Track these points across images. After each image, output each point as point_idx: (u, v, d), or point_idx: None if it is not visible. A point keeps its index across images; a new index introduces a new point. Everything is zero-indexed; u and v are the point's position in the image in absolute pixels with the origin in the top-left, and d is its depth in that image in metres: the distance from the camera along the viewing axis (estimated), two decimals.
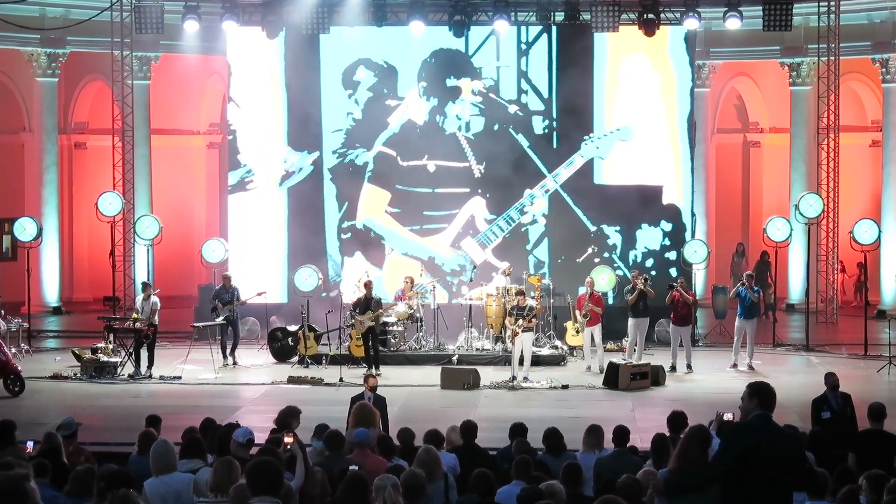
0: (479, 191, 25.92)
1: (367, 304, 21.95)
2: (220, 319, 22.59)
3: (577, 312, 22.17)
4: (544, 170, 25.74)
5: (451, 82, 25.97)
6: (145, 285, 22.58)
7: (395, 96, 26.06)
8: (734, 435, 7.72)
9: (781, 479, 7.69)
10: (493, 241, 25.89)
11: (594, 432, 11.71)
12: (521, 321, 20.77)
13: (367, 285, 22.38)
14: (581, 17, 25.23)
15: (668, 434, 11.38)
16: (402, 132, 26.03)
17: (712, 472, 7.74)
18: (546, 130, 26.02)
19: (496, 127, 25.88)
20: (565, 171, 25.74)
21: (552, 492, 8.77)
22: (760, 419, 7.75)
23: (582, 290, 22.70)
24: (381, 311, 22.22)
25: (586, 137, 25.70)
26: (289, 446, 9.81)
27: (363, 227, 26.13)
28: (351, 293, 24.34)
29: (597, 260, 24.85)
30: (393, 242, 26.12)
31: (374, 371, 20.71)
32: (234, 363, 22.60)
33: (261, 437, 12.56)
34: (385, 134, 26.03)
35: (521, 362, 20.88)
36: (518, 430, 12.02)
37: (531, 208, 25.86)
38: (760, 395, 7.80)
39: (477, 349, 23.01)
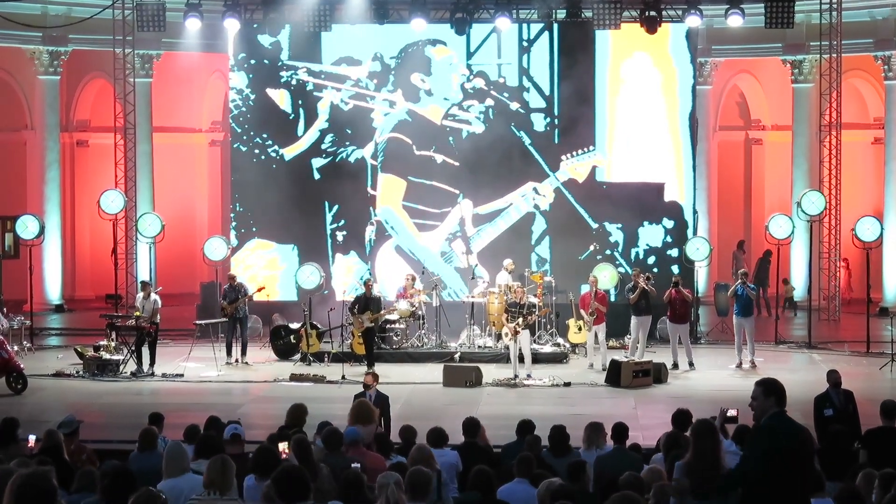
0: (472, 191, 25.73)
1: (367, 303, 21.94)
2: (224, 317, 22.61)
3: (583, 312, 22.14)
4: (546, 167, 25.71)
5: (446, 77, 25.93)
6: (144, 284, 22.60)
7: (382, 91, 25.99)
8: (768, 434, 7.72)
9: (804, 476, 7.72)
10: (479, 246, 25.77)
11: (595, 430, 11.69)
12: (520, 320, 20.74)
13: (367, 284, 22.37)
14: (583, 15, 25.20)
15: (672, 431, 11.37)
16: (401, 126, 25.89)
17: (742, 472, 7.73)
18: (547, 128, 26.00)
19: (495, 125, 25.77)
20: (548, 186, 25.69)
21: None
22: (781, 418, 7.78)
23: (585, 289, 22.69)
24: (381, 313, 22.19)
25: (563, 157, 25.58)
26: (285, 455, 9.75)
27: (382, 219, 25.94)
28: (342, 293, 24.33)
29: (599, 257, 24.85)
30: (402, 238, 26.05)
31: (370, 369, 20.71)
32: (245, 363, 22.57)
33: (261, 435, 12.57)
34: (387, 125, 25.93)
35: (520, 360, 20.88)
36: (526, 427, 12.01)
37: (519, 208, 25.80)
38: (776, 393, 7.85)
39: (479, 346, 23.01)
